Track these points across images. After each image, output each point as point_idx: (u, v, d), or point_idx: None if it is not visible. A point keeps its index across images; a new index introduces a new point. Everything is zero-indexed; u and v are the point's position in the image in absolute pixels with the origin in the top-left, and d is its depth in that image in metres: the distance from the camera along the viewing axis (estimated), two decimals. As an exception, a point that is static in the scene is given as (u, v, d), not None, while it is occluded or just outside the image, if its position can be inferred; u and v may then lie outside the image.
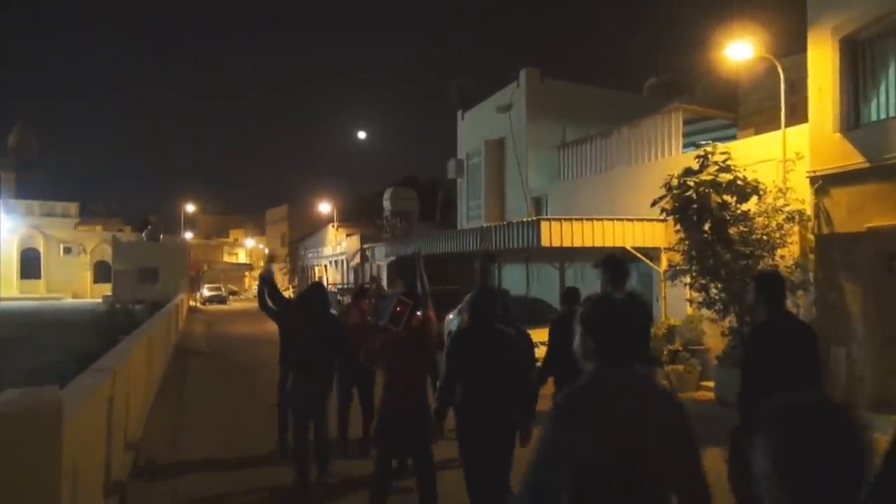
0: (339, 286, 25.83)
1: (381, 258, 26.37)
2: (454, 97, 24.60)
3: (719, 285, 9.83)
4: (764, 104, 13.49)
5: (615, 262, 4.83)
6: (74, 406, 4.14)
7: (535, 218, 12.90)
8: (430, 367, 5.06)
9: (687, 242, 10.04)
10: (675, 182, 10.12)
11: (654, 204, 10.38)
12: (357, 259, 29.79)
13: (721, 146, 10.41)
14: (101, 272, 50.33)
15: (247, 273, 67.54)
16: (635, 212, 13.61)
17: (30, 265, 50.67)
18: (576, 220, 12.90)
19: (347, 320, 6.53)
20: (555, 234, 12.70)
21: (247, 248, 77.30)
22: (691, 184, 9.91)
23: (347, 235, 32.61)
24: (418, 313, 4.86)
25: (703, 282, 9.84)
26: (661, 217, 10.87)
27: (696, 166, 10.23)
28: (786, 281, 4.56)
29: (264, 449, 7.00)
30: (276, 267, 58.53)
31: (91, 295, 47.94)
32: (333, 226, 36.62)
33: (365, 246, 28.67)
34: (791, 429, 1.17)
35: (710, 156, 10.03)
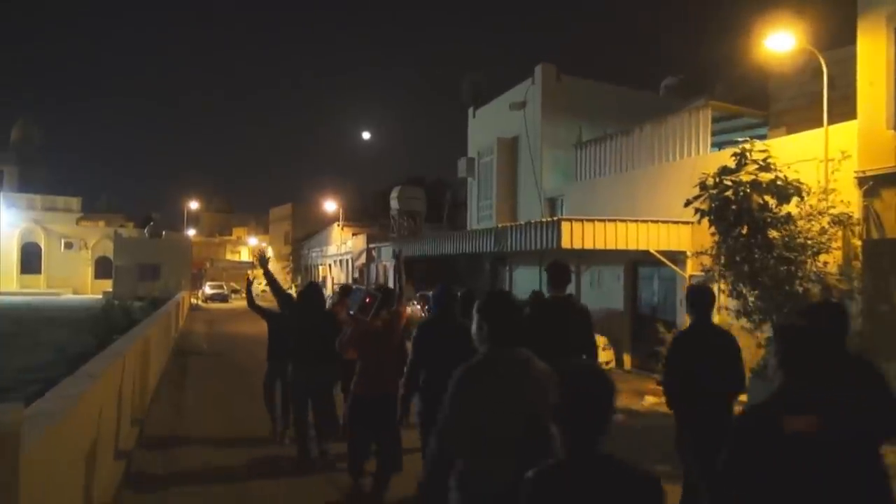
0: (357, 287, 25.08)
1: (388, 258, 25.74)
2: (466, 94, 23.96)
3: (756, 292, 9.15)
4: (797, 102, 12.83)
5: (557, 268, 5.23)
6: (48, 424, 3.54)
7: (555, 218, 12.23)
8: (398, 355, 5.38)
9: (723, 246, 9.35)
10: (710, 181, 9.44)
11: (687, 204, 9.70)
12: (363, 259, 29.14)
13: (759, 143, 9.73)
14: (103, 268, 49.70)
15: (249, 271, 66.85)
16: (658, 213, 12.96)
17: (30, 260, 50.04)
18: (598, 220, 12.26)
19: (338, 316, 6.68)
20: (576, 235, 12.05)
21: (249, 247, 76.76)
22: (728, 183, 9.23)
23: (353, 235, 31.96)
24: (395, 308, 5.43)
25: (742, 289, 9.15)
26: (694, 219, 10.18)
27: (732, 164, 9.55)
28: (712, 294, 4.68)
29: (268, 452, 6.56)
30: (279, 266, 58.29)
31: (92, 291, 47.31)
32: (339, 225, 35.97)
33: (371, 245, 28.03)
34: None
35: (748, 153, 9.35)
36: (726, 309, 9.75)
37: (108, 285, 44.34)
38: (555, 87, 19.00)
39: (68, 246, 51.06)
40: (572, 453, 1.94)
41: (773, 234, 8.76)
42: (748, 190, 8.90)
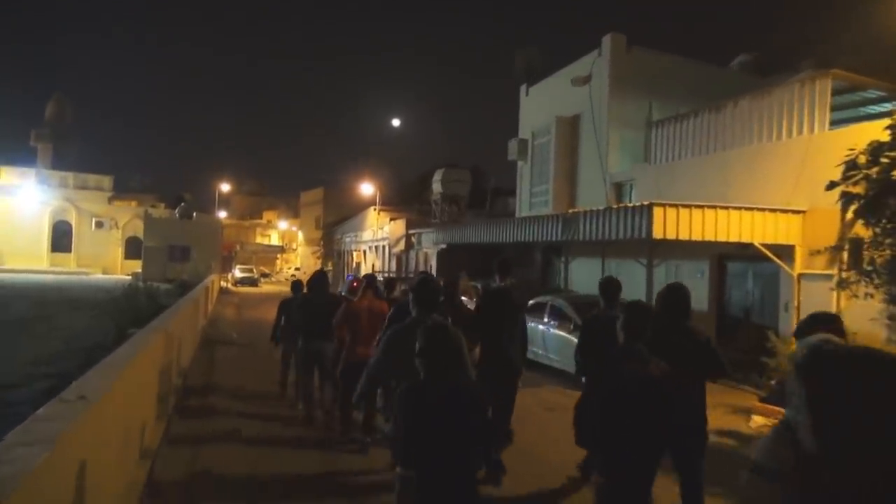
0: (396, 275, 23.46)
1: (430, 245, 24.12)
2: (519, 71, 22.13)
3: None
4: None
5: (502, 263, 6.27)
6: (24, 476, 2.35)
7: (646, 203, 10.45)
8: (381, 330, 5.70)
9: (879, 240, 7.51)
10: (862, 159, 7.60)
11: (831, 187, 7.88)
12: (401, 245, 27.55)
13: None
14: (133, 248, 48.93)
15: (279, 255, 66.10)
16: (757, 201, 11.11)
17: (61, 238, 49.43)
18: (695, 207, 10.43)
19: (360, 306, 6.83)
20: (669, 223, 10.28)
21: (280, 231, 76.01)
22: (885, 161, 7.40)
23: (391, 220, 30.36)
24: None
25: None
26: (804, 207, 8.36)
27: (886, 138, 7.70)
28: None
29: None
30: (309, 251, 57.03)
31: (122, 271, 46.58)
32: (375, 209, 34.40)
33: (411, 231, 26.41)
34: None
35: (911, 125, 7.50)
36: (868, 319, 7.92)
37: (137, 266, 43.55)
38: (624, 59, 17.12)
39: (99, 225, 50.39)
40: (428, 377, 3.03)
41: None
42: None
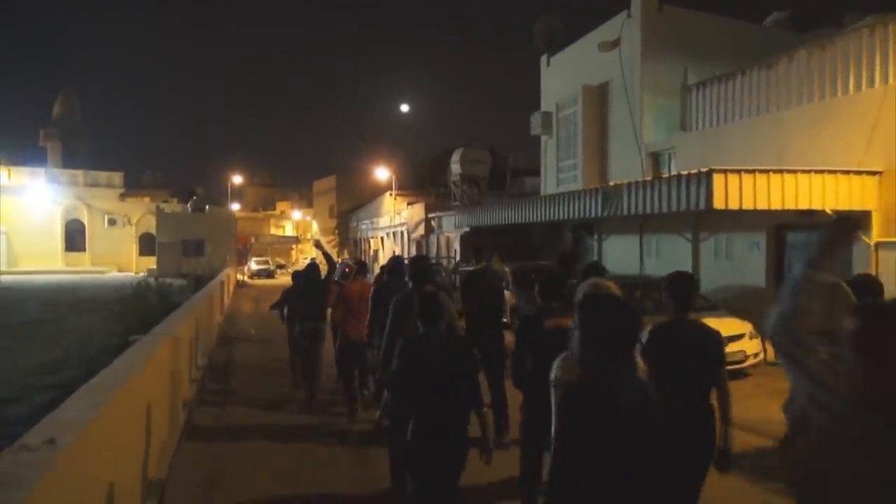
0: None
1: (451, 229, 23.08)
2: (539, 39, 20.89)
3: None
4: None
5: (476, 248, 7.62)
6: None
7: (704, 170, 9.33)
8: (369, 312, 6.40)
9: None
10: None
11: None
12: (420, 230, 26.52)
13: None
14: (147, 245, 48.32)
15: (294, 246, 65.40)
16: (821, 164, 9.94)
17: (74, 237, 48.91)
18: (760, 172, 9.30)
19: (352, 290, 7.49)
20: (732, 191, 9.16)
21: (294, 221, 75.29)
22: None
23: (409, 204, 29.30)
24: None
25: None
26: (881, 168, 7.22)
27: None
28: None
29: None
30: (324, 240, 56.47)
31: (137, 268, 45.99)
32: (391, 194, 33.33)
33: (431, 215, 25.36)
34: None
35: None
36: None
37: (152, 262, 43.00)
38: (656, 20, 15.86)
39: (111, 222, 49.82)
40: (423, 328, 3.73)
41: None
42: None
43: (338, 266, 8.90)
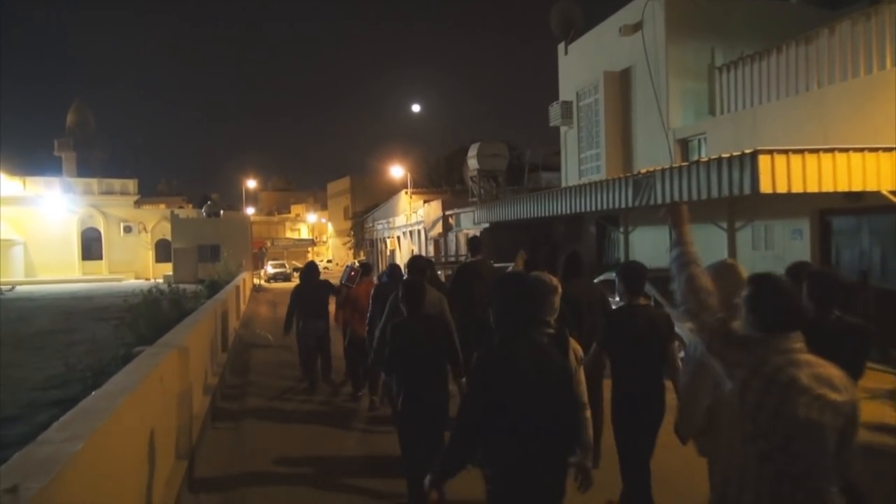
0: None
1: (470, 226, 22.44)
2: (556, 27, 20.21)
3: None
4: None
5: (474, 240, 7.86)
6: None
7: (748, 151, 8.64)
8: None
9: None
10: None
11: None
12: (438, 228, 25.92)
13: None
14: (163, 251, 48.20)
15: (309, 249, 65.20)
16: (870, 142, 9.19)
17: (91, 246, 48.88)
18: (809, 152, 8.59)
19: (360, 291, 7.97)
20: (779, 174, 8.45)
21: (309, 224, 75.15)
22: None
23: (425, 202, 28.71)
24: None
25: None
26: None
27: None
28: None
29: None
30: (339, 241, 55.97)
31: (154, 275, 45.84)
32: (406, 192, 32.76)
33: (448, 212, 24.75)
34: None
35: None
36: None
37: (169, 268, 42.83)
38: (681, 0, 15.15)
39: (127, 230, 49.75)
40: (408, 313, 4.32)
41: None
42: None
43: (345, 268, 9.39)
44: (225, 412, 7.43)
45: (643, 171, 11.36)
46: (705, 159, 9.69)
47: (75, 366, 8.66)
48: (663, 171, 10.61)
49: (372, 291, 6.79)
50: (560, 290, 3.60)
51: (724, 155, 9.16)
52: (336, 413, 7.60)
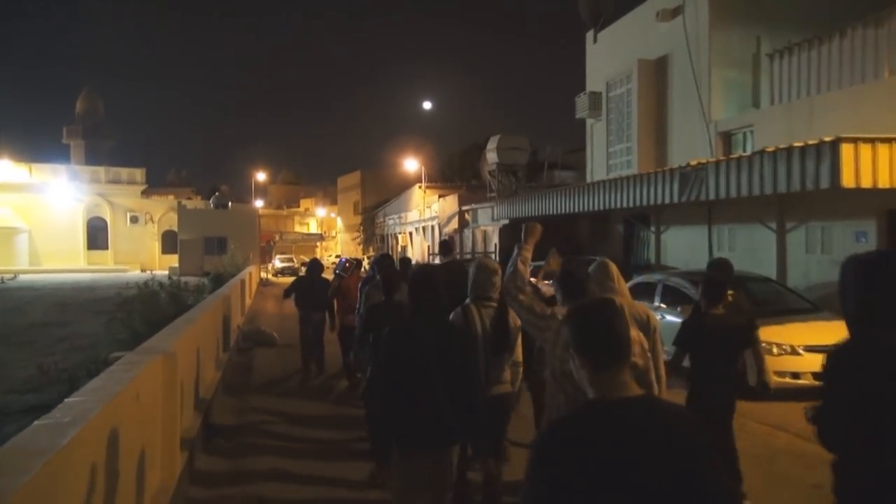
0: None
1: (488, 222, 21.40)
2: (584, 14, 19.14)
3: None
4: None
5: (445, 244, 7.61)
6: None
7: (828, 139, 7.56)
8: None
9: None
10: None
11: None
12: (454, 224, 24.87)
13: None
14: (170, 242, 47.35)
15: (318, 243, 64.32)
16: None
17: (96, 235, 48.07)
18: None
19: (350, 282, 8.52)
20: (864, 165, 7.36)
21: (318, 218, 74.27)
22: None
23: (440, 197, 27.66)
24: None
25: None
26: None
27: None
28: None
29: None
30: (349, 237, 55.12)
31: (160, 266, 44.98)
32: (420, 187, 31.70)
33: (465, 208, 23.71)
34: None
35: None
36: None
37: (175, 260, 41.99)
38: (726, -18, 14.04)
39: (134, 220, 48.95)
40: (384, 297, 4.88)
41: None
42: None
43: (339, 261, 10.17)
44: (221, 430, 6.42)
45: (693, 162, 10.26)
46: (771, 149, 8.60)
47: (49, 369, 7.68)
48: (717, 163, 9.53)
49: (360, 284, 7.17)
50: (500, 271, 3.97)
51: (795, 144, 8.07)
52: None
